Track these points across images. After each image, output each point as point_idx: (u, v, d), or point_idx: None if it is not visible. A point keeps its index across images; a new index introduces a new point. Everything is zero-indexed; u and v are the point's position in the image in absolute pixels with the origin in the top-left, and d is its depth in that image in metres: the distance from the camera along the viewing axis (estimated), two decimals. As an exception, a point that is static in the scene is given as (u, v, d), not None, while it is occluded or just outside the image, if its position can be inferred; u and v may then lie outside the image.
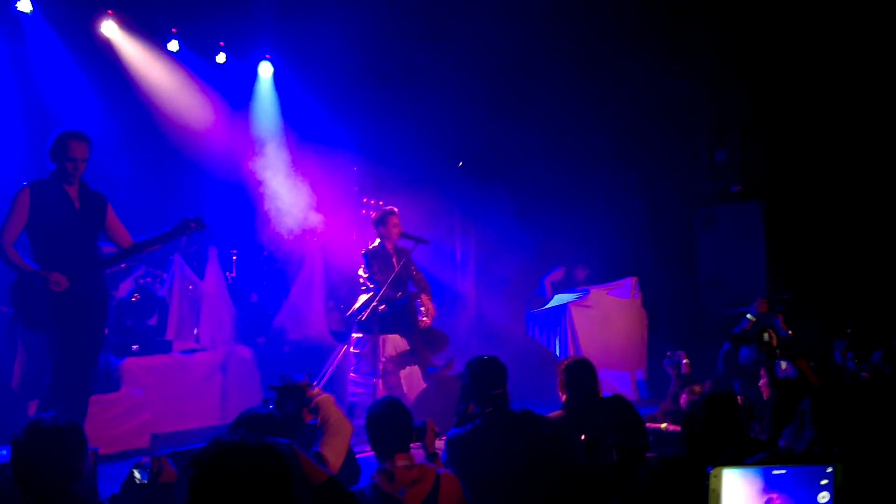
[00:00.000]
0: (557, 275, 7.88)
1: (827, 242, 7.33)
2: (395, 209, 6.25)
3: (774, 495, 1.65)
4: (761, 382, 3.99)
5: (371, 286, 6.04)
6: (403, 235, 6.13)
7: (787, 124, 7.61)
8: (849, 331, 4.49)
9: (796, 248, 7.54)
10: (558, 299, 7.23)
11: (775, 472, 1.61)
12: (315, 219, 7.34)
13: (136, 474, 2.78)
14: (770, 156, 7.76)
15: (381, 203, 7.43)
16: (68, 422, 2.62)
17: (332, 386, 6.36)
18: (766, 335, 3.72)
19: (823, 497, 1.58)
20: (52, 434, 2.52)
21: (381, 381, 5.76)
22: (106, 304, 4.65)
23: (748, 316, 5.39)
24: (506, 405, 3.65)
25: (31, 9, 6.46)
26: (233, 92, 7.94)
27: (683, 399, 4.98)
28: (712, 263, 8.03)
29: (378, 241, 6.23)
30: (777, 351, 3.71)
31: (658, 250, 8.00)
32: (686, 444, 3.04)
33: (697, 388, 4.93)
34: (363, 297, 6.09)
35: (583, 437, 3.42)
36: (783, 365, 3.78)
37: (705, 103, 8.11)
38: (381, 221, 6.19)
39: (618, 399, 3.94)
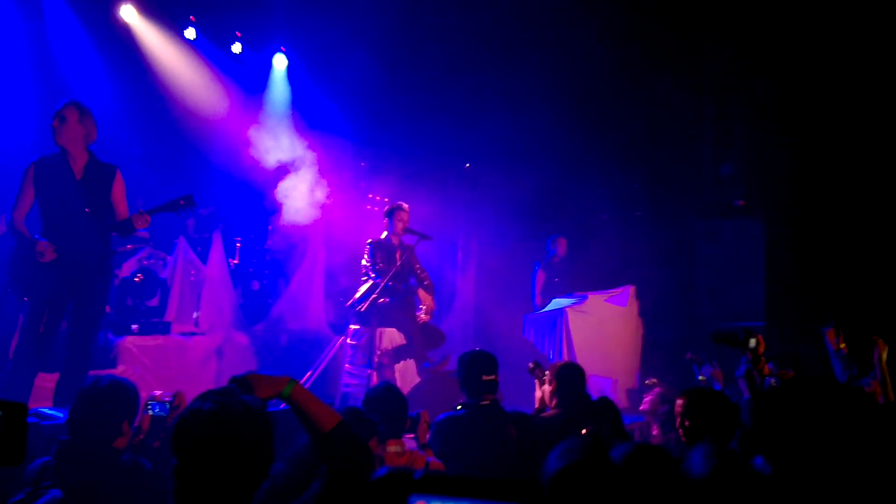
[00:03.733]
0: (540, 278, 7.88)
1: (828, 262, 7.33)
2: (406, 205, 6.31)
3: None
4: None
5: (372, 276, 6.09)
6: (407, 231, 6.17)
7: (794, 140, 7.62)
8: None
9: (796, 267, 7.55)
10: (556, 303, 7.27)
11: None
12: (320, 211, 7.39)
13: (149, 408, 2.82)
14: (775, 172, 7.77)
15: (386, 199, 7.48)
16: (126, 382, 2.71)
17: (327, 376, 6.44)
18: (752, 340, 3.61)
19: None
20: (107, 390, 2.61)
21: (375, 373, 5.78)
22: (100, 278, 4.58)
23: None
24: (496, 398, 3.75)
25: (51, -12, 6.57)
26: (247, 82, 8.03)
27: (646, 400, 5.15)
28: (712, 276, 8.05)
29: (385, 233, 6.29)
30: (763, 358, 3.63)
31: (657, 261, 8.02)
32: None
33: (649, 382, 5.24)
34: (364, 287, 6.13)
35: (583, 431, 3.50)
36: (772, 382, 3.74)
37: (711, 116, 8.14)
38: (390, 213, 6.26)
39: (604, 401, 4.03)
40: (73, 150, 4.45)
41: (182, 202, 4.48)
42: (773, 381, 3.58)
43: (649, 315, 7.43)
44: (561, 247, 7.90)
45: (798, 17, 7.19)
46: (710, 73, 7.79)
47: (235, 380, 1.89)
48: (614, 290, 7.28)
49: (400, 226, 6.19)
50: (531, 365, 4.42)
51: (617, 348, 7.03)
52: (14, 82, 6.36)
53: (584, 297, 7.12)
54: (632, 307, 7.24)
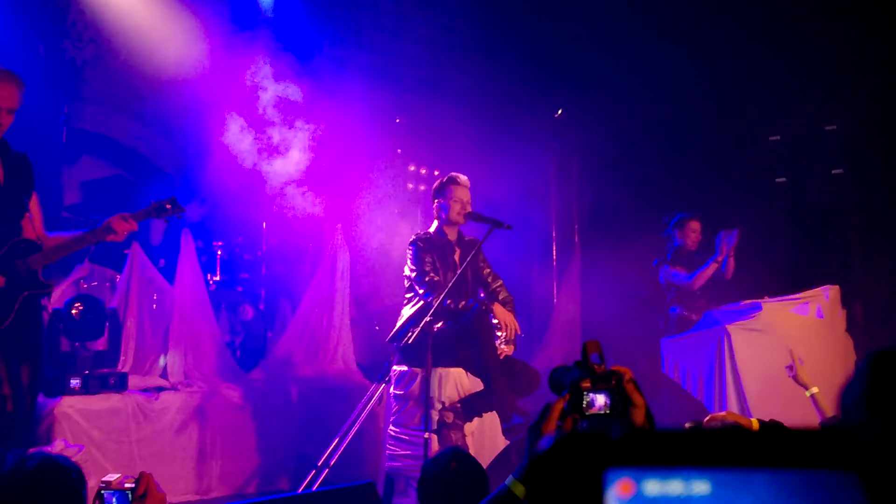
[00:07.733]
0: (673, 281, 7.67)
1: None
2: (463, 177, 6.25)
3: None
4: None
5: (421, 291, 6.04)
6: (472, 217, 6.10)
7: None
8: None
9: None
10: (710, 319, 7.05)
11: None
12: (337, 196, 7.58)
13: (102, 499, 2.85)
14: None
15: (435, 172, 7.62)
16: (64, 463, 2.88)
17: (361, 445, 6.56)
18: None
19: None
20: (35, 478, 2.77)
21: (435, 436, 5.78)
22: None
23: None
24: None
25: None
26: (224, 19, 8.15)
27: None
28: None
29: (435, 224, 6.27)
30: None
31: (873, 251, 8.01)
32: None
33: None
34: (407, 311, 6.09)
35: None
36: None
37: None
38: (440, 192, 6.25)
39: None
40: None
41: (168, 207, 4.97)
42: None
43: (863, 328, 7.24)
44: (691, 233, 7.62)
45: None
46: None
47: None
48: (802, 294, 7.00)
49: (457, 208, 6.14)
50: (688, 425, 4.18)
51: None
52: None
53: (757, 307, 6.83)
54: (834, 318, 6.89)
